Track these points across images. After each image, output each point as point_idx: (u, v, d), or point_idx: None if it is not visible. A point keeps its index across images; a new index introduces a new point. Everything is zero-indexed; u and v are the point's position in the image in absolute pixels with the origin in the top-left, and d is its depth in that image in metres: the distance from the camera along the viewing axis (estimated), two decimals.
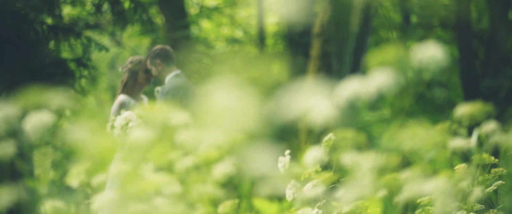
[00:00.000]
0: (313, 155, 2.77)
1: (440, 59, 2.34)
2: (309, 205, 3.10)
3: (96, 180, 2.69)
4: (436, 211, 2.78)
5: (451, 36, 15.32)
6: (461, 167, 3.11)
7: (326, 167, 2.95)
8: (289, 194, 3.04)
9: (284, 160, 3.02)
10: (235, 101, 1.92)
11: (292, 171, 2.99)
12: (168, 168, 2.53)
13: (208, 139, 2.47)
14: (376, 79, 2.34)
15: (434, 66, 2.33)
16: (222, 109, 1.93)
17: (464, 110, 2.85)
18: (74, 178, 2.65)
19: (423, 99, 14.95)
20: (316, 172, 3.06)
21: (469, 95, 14.24)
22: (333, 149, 2.89)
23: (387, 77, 2.33)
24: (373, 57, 2.35)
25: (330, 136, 2.91)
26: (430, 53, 2.33)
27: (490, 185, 3.30)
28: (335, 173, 2.95)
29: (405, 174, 2.58)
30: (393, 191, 2.75)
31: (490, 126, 3.09)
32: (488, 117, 2.95)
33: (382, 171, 2.44)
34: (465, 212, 3.29)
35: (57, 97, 2.47)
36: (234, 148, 2.30)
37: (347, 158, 2.58)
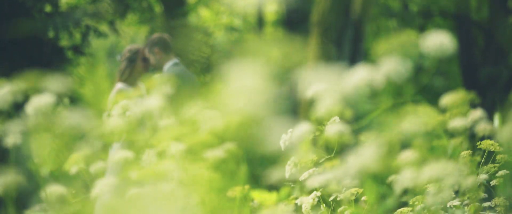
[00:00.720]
0: (300, 130, 2.76)
1: (449, 47, 2.34)
2: (307, 193, 3.09)
3: (95, 167, 2.68)
4: (430, 199, 2.77)
5: (450, 25, 15.31)
6: (465, 153, 3.09)
7: (315, 142, 2.94)
8: (288, 170, 3.02)
9: (287, 136, 2.97)
10: (250, 83, 1.92)
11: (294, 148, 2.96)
12: (163, 152, 2.52)
13: (209, 122, 2.46)
14: (385, 67, 2.34)
15: (442, 54, 2.33)
16: (238, 89, 1.93)
17: (448, 98, 2.85)
18: (73, 164, 2.64)
19: (423, 88, 14.93)
20: (313, 160, 3.05)
21: (468, 84, 14.24)
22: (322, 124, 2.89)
23: (395, 64, 2.33)
24: (380, 44, 2.35)
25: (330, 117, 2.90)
26: (438, 41, 2.33)
27: (493, 174, 3.28)
28: (325, 151, 2.94)
29: (403, 158, 2.57)
30: (391, 174, 2.73)
31: (476, 114, 3.08)
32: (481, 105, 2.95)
33: (380, 154, 2.43)
34: (460, 202, 3.28)
35: (55, 82, 2.46)
36: (238, 129, 2.29)
37: (333, 130, 2.58)
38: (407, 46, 2.33)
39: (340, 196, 3.08)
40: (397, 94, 2.50)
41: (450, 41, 2.35)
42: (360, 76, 2.38)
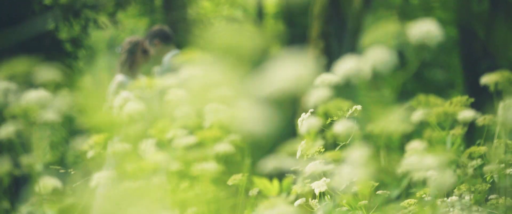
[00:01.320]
0: (308, 123, 2.72)
1: (436, 35, 2.29)
2: (310, 182, 3.06)
3: (108, 151, 2.65)
4: (432, 191, 2.74)
5: (451, 17, 15.28)
6: (475, 149, 3.04)
7: (321, 133, 2.90)
8: (299, 151, 2.98)
9: (304, 117, 2.92)
10: (215, 76, 1.88)
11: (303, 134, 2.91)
12: (166, 144, 2.49)
13: (209, 115, 2.43)
14: (371, 57, 2.29)
15: (430, 42, 2.29)
16: (201, 83, 1.89)
17: (489, 78, 2.81)
18: (90, 148, 2.61)
19: (423, 80, 14.91)
20: (319, 151, 3.01)
21: (469, 77, 14.21)
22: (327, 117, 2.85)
23: (382, 55, 2.28)
24: (368, 34, 2.30)
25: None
26: (426, 29, 2.29)
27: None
28: (330, 143, 2.91)
29: (409, 149, 2.54)
30: (391, 168, 2.70)
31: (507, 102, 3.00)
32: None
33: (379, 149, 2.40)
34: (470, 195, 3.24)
35: (50, 71, 2.42)
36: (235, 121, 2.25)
37: (340, 126, 2.55)
38: (397, 35, 2.29)
39: (348, 188, 3.05)
40: (396, 87, 2.47)
41: (438, 29, 2.31)
42: (348, 67, 2.35)
